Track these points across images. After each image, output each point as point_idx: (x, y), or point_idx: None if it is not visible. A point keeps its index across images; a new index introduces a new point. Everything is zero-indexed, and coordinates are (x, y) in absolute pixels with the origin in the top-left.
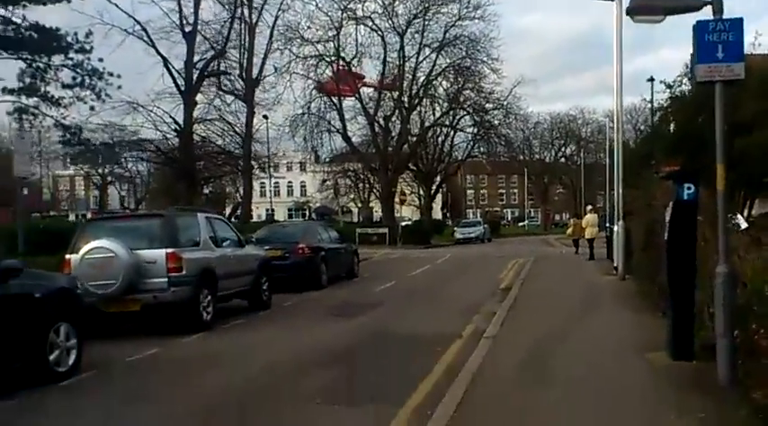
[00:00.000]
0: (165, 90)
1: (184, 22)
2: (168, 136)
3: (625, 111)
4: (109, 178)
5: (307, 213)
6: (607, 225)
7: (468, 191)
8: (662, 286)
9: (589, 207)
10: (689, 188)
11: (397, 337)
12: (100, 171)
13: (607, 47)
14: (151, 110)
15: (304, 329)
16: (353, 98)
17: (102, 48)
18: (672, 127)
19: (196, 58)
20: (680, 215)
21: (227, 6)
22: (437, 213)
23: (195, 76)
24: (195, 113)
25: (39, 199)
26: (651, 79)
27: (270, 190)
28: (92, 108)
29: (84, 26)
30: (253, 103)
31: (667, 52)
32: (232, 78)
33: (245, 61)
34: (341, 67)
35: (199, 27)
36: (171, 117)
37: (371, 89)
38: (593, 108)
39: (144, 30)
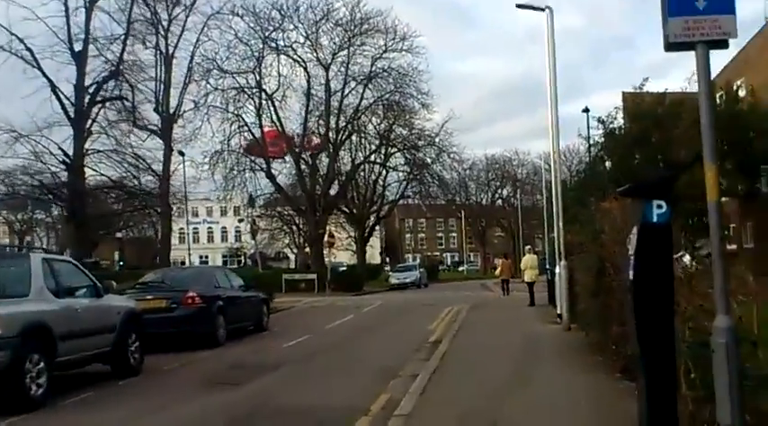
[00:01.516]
0: (53, 117)
1: (73, 39)
2: (55, 169)
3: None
4: (33, 225)
5: (242, 259)
6: (548, 267)
7: (407, 236)
8: (618, 339)
9: (528, 247)
10: (659, 206)
11: (283, 415)
12: (20, 216)
13: (540, 93)
14: (38, 142)
15: (169, 405)
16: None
17: None
18: (608, 164)
19: (88, 82)
20: (649, 243)
21: (121, 24)
22: (375, 257)
23: (86, 101)
24: (99, 147)
25: None
26: (586, 109)
27: (195, 235)
28: None
29: None
30: (170, 140)
31: (597, 98)
32: (141, 111)
33: (161, 95)
34: (269, 129)
35: (91, 45)
36: (60, 148)
37: (297, 124)
38: (527, 149)
39: (29, 49)
